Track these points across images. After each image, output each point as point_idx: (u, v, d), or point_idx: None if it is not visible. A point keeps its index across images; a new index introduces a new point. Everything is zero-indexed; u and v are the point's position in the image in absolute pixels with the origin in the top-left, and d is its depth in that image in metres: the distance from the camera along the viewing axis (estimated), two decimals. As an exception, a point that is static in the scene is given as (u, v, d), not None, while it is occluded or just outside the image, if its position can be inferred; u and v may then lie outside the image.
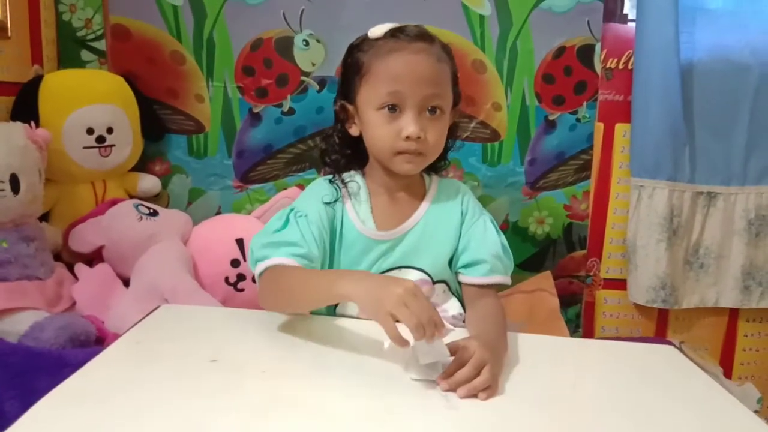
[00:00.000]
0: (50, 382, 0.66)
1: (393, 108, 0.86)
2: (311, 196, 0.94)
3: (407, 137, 0.86)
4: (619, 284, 1.54)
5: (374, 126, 0.88)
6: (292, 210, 0.90)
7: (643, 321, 1.55)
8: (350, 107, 0.92)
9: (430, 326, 0.67)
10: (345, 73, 0.94)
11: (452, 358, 0.73)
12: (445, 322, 0.70)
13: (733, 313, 1.55)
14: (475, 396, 0.68)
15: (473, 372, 0.69)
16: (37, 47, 1.39)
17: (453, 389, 0.69)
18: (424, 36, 0.89)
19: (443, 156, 0.98)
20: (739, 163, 1.46)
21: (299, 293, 0.81)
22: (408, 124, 0.86)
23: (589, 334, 1.56)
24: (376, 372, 0.74)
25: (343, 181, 0.95)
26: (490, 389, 0.69)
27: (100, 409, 0.62)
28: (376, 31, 0.89)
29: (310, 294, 0.81)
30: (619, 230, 1.52)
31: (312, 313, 0.90)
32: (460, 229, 0.95)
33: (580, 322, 1.57)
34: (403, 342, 0.69)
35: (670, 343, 1.35)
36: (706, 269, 1.49)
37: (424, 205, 0.95)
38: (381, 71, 0.86)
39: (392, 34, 0.88)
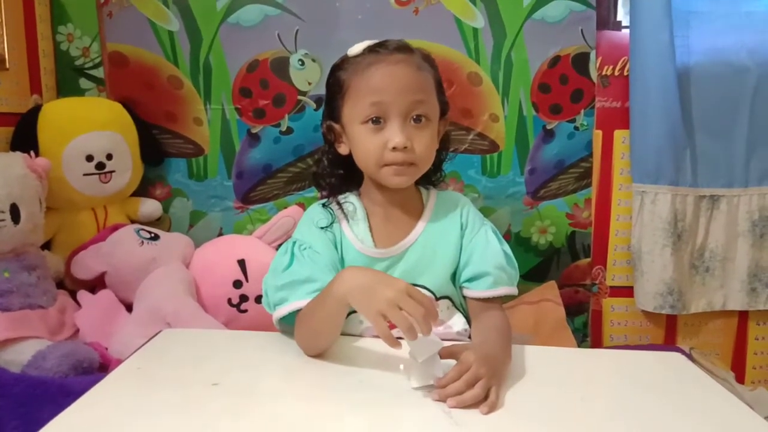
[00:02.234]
0: (54, 411, 0.66)
1: (377, 120, 0.86)
2: (308, 224, 0.94)
3: (394, 148, 0.85)
4: (626, 291, 1.53)
5: (360, 140, 0.88)
6: (294, 243, 0.90)
7: (651, 328, 1.54)
8: (337, 127, 0.92)
9: (424, 324, 0.69)
10: (328, 94, 0.94)
11: (450, 359, 0.74)
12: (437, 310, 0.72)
13: (743, 317, 1.53)
14: (473, 407, 0.68)
15: (464, 387, 0.69)
16: (35, 77, 1.41)
17: (443, 400, 0.69)
18: (402, 48, 0.88)
19: (437, 168, 0.97)
20: (741, 164, 1.45)
21: (319, 323, 0.81)
22: (393, 135, 0.85)
23: (597, 343, 1.54)
24: (380, 391, 0.73)
25: (338, 203, 0.94)
26: (491, 403, 0.69)
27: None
28: (355, 49, 0.89)
29: (323, 316, 0.80)
30: (623, 237, 1.51)
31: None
32: (460, 242, 0.94)
33: (587, 331, 1.55)
34: (394, 343, 0.70)
35: (679, 349, 1.34)
36: (712, 273, 1.47)
37: (423, 221, 0.94)
38: (362, 85, 0.86)
39: (371, 49, 0.88)
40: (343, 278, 0.77)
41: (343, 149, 0.93)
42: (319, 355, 0.82)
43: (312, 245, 0.89)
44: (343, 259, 0.92)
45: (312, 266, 0.86)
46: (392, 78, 0.85)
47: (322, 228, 0.91)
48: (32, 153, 1.21)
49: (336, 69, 0.91)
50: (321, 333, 0.82)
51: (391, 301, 0.69)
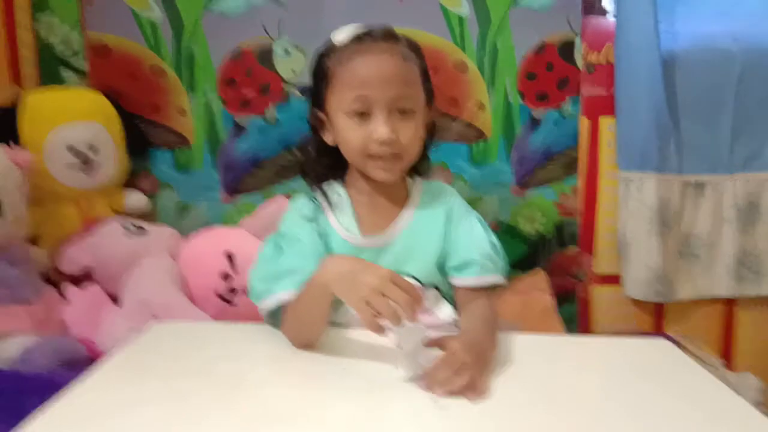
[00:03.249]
0: (41, 407, 0.65)
1: (362, 113, 0.85)
2: (293, 215, 0.93)
3: (379, 140, 0.85)
4: (614, 279, 1.53)
5: (345, 131, 0.87)
6: (279, 235, 0.90)
7: (639, 315, 1.54)
8: (322, 115, 0.92)
9: (408, 309, 0.69)
10: (313, 81, 0.93)
11: (437, 350, 0.75)
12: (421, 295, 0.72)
13: (730, 303, 1.53)
14: (458, 395, 0.68)
15: (451, 375, 0.70)
16: (15, 68, 1.38)
17: (430, 389, 0.69)
18: (388, 36, 0.87)
19: (424, 156, 0.97)
20: (726, 150, 1.46)
21: (304, 314, 0.81)
22: (378, 127, 0.84)
23: (585, 330, 1.55)
24: (369, 381, 0.73)
25: (323, 193, 0.94)
26: (477, 390, 0.69)
27: (88, 429, 0.61)
28: (341, 35, 0.88)
29: (308, 306, 0.80)
30: (610, 225, 1.52)
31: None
32: (446, 232, 0.94)
33: (575, 319, 1.56)
34: (379, 329, 0.70)
35: (667, 336, 1.35)
36: (698, 259, 1.48)
37: (408, 211, 0.94)
38: (346, 76, 0.85)
39: (356, 37, 0.87)
40: (326, 267, 0.77)
41: (328, 138, 0.92)
42: (307, 347, 0.82)
43: (297, 236, 0.89)
44: (329, 249, 0.92)
45: (297, 257, 0.86)
46: (377, 69, 0.84)
47: (306, 219, 0.91)
48: (13, 144, 1.19)
49: (321, 56, 0.90)
50: (307, 323, 0.82)
51: (375, 287, 0.69)
